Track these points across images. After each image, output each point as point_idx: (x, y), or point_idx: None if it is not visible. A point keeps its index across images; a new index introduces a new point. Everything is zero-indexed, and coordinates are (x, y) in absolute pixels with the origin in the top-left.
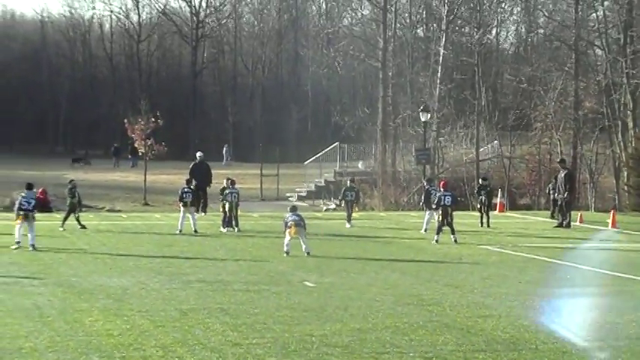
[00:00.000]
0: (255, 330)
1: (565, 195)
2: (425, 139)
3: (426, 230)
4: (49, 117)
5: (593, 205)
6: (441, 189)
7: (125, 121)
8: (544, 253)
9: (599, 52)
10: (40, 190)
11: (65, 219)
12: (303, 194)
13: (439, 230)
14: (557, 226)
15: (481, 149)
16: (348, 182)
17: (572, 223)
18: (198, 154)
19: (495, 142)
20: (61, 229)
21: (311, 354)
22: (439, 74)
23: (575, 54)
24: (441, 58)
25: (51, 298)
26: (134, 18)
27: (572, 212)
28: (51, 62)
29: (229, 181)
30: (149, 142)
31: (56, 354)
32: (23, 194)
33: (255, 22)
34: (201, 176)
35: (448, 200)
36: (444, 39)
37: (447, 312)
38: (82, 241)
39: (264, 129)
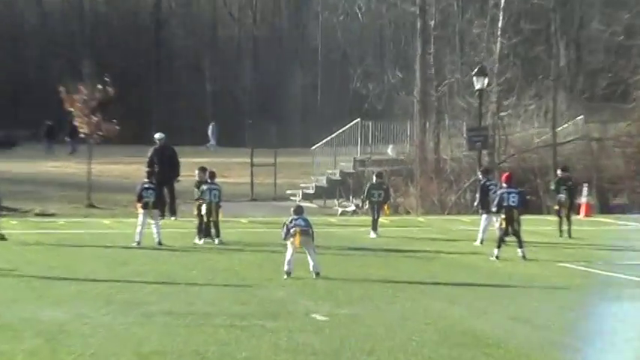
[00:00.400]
0: None
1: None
2: (480, 114)
3: (482, 242)
4: None
5: None
6: (504, 184)
7: (61, 89)
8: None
9: None
10: None
11: None
12: (311, 192)
13: (501, 241)
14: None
15: (560, 128)
16: (374, 177)
17: None
18: (157, 135)
19: (580, 118)
20: None
21: None
22: (500, 23)
23: None
24: (502, 0)
25: None
26: None
27: None
28: None
29: (207, 172)
30: (95, 120)
31: None
32: None
33: None
34: (163, 166)
35: (514, 200)
36: None
37: (513, 355)
38: (1, 258)
39: (257, 100)
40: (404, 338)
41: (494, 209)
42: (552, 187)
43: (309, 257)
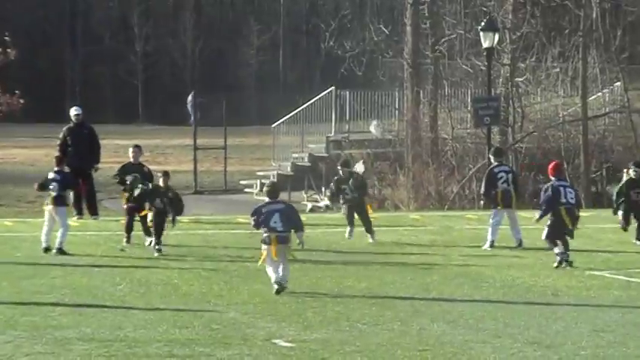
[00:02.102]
0: None
1: None
2: (490, 80)
3: (492, 245)
4: None
5: None
6: (552, 177)
7: None
8: None
9: None
10: None
11: None
12: (274, 180)
13: (557, 245)
14: None
15: (592, 97)
16: (340, 168)
17: None
18: (73, 110)
19: (617, 84)
20: None
21: None
22: None
23: None
24: None
25: None
26: None
27: None
28: None
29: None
30: None
31: None
32: None
33: None
34: (78, 150)
35: (571, 197)
36: None
37: None
38: None
39: (201, 65)
40: None
41: (543, 209)
42: (615, 194)
43: (282, 268)
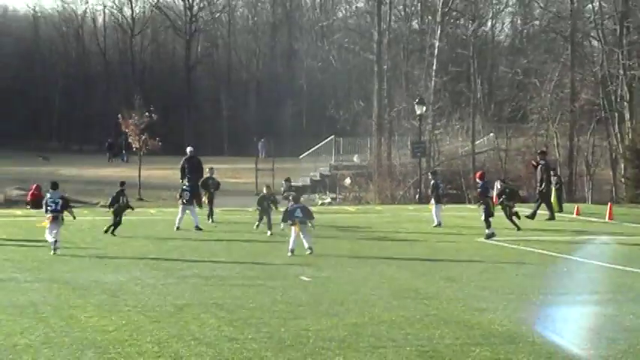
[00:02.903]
0: (251, 325)
1: (542, 187)
2: (420, 132)
3: (440, 224)
4: (42, 113)
5: (590, 197)
6: (478, 181)
7: (119, 116)
8: (541, 246)
9: (595, 43)
10: (34, 185)
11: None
12: (300, 187)
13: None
14: (528, 216)
15: (477, 142)
16: (265, 188)
17: (555, 215)
18: (189, 148)
19: (491, 134)
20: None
21: (307, 348)
22: (434, 67)
23: (571, 45)
24: (436, 50)
25: (45, 294)
26: (127, 12)
27: (567, 204)
28: (44, 58)
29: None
30: (143, 137)
31: (51, 350)
32: (49, 194)
33: (249, 16)
34: (191, 172)
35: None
36: (439, 31)
37: (444, 306)
38: (76, 237)
39: (259, 123)
40: (366, 293)
41: (496, 198)
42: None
43: (304, 239)
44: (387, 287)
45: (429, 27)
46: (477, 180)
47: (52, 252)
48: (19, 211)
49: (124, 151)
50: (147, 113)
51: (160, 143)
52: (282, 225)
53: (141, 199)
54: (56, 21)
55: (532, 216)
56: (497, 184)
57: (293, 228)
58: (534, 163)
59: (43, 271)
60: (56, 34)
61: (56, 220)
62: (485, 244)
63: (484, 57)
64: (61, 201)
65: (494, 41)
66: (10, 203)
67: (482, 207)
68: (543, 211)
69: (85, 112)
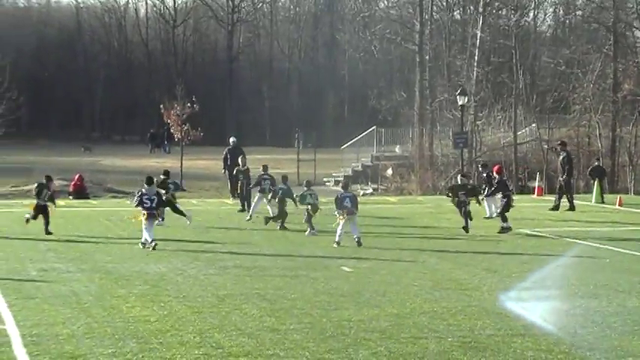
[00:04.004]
0: (293, 315)
1: (563, 177)
2: (462, 122)
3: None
4: (85, 103)
5: (632, 188)
6: (496, 175)
7: (161, 106)
8: (584, 237)
9: (637, 33)
10: (76, 176)
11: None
12: (340, 179)
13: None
14: (551, 209)
15: (519, 132)
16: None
17: (575, 205)
18: (232, 139)
19: (533, 125)
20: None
21: (348, 339)
22: (476, 57)
23: (613, 35)
24: (478, 41)
25: (88, 284)
26: (169, 3)
27: (609, 195)
28: (86, 48)
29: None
30: (185, 128)
31: (93, 340)
32: (144, 190)
33: (291, 6)
34: (233, 162)
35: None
36: (481, 21)
37: (486, 297)
38: (118, 228)
39: (301, 114)
40: (407, 284)
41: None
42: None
43: (352, 230)
44: (429, 278)
45: (471, 17)
46: (495, 174)
47: (142, 246)
48: (61, 202)
49: (166, 142)
50: (189, 104)
51: (201, 134)
52: (336, 213)
53: (183, 190)
54: (99, 12)
55: (556, 208)
56: (459, 179)
57: (340, 218)
58: (556, 149)
59: (85, 261)
60: (98, 24)
61: (152, 217)
62: (527, 236)
63: (526, 47)
64: (156, 198)
65: (537, 31)
66: (52, 193)
67: (502, 200)
68: (581, 202)
69: (127, 102)
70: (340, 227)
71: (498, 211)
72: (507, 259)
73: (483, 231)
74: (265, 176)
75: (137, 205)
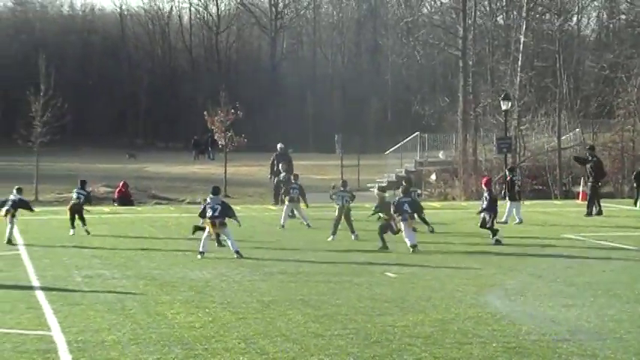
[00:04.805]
0: (337, 321)
1: (593, 183)
2: (506, 127)
3: (516, 222)
4: (129, 110)
5: None
6: (484, 188)
7: (205, 113)
8: (629, 241)
9: None
10: (121, 183)
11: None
12: (384, 184)
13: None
14: (586, 215)
15: (563, 137)
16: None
17: (593, 211)
18: (279, 145)
19: (577, 130)
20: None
21: (393, 345)
22: (520, 62)
23: None
24: (521, 45)
25: (133, 290)
26: (213, 9)
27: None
28: (130, 55)
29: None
30: (229, 134)
31: (138, 346)
32: (208, 199)
33: (334, 12)
34: (280, 167)
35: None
36: (524, 26)
37: (530, 301)
38: (162, 234)
39: (344, 119)
40: (451, 289)
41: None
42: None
43: (406, 235)
44: (473, 283)
45: (514, 22)
46: (484, 187)
47: (199, 258)
48: (106, 208)
49: (209, 148)
50: (232, 110)
51: (245, 140)
52: (396, 217)
53: (227, 196)
54: (142, 19)
55: (599, 212)
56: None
57: (402, 224)
58: (580, 158)
59: (130, 267)
60: (142, 31)
61: (216, 226)
62: (571, 240)
63: (570, 52)
64: (219, 207)
65: (580, 36)
66: (97, 200)
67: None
68: (625, 206)
69: (170, 109)
70: (404, 231)
71: (488, 225)
72: (552, 263)
73: (525, 235)
74: (294, 185)
75: (201, 215)
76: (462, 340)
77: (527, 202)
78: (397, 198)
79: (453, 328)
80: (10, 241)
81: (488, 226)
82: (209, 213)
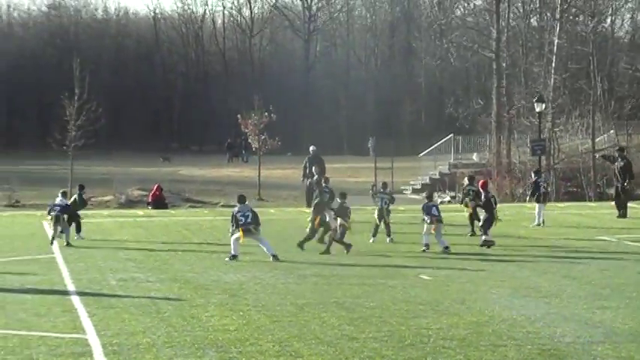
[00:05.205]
0: (372, 324)
1: (623, 185)
2: (540, 129)
3: (539, 224)
4: (163, 114)
5: None
6: (481, 190)
7: (238, 116)
8: None
9: None
10: (155, 186)
11: None
12: (418, 187)
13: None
14: (619, 217)
15: (597, 139)
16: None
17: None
18: (311, 147)
19: (611, 131)
20: None
21: (427, 347)
22: (553, 64)
23: None
24: (555, 47)
25: (167, 293)
26: (246, 13)
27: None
28: (164, 59)
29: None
30: (262, 137)
31: (173, 349)
32: (237, 208)
33: (368, 15)
34: (312, 170)
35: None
36: (558, 28)
37: (565, 304)
38: (196, 237)
39: (378, 122)
40: (485, 292)
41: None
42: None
43: (438, 238)
44: (508, 285)
45: (547, 24)
46: (481, 189)
47: (229, 259)
48: (140, 212)
49: (243, 151)
50: (266, 113)
51: (279, 143)
52: (425, 218)
53: (261, 199)
54: (176, 22)
55: (622, 215)
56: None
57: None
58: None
59: (164, 270)
60: (176, 35)
61: (249, 233)
62: (606, 242)
63: (604, 53)
64: (250, 214)
65: (614, 37)
66: (131, 204)
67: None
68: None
69: (204, 112)
70: (424, 231)
71: (480, 224)
72: (586, 265)
73: (560, 237)
74: (325, 189)
75: (233, 224)
76: (496, 343)
77: (561, 204)
78: (424, 204)
79: (487, 330)
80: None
81: (480, 225)
82: (242, 221)
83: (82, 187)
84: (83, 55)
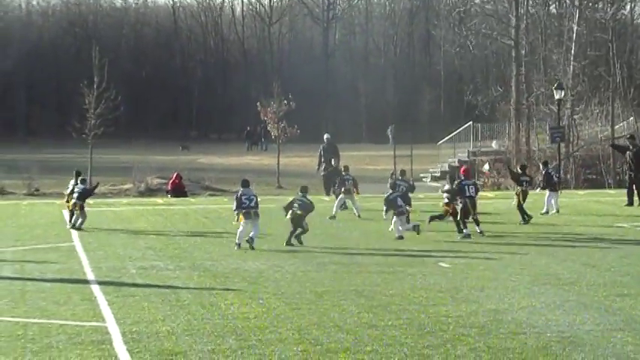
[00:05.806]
0: (391, 311)
1: (631, 173)
2: (559, 116)
3: (548, 212)
4: (182, 102)
5: None
6: (462, 176)
7: (258, 104)
8: None
9: None
10: (174, 174)
11: None
12: (437, 174)
13: (464, 225)
14: (627, 205)
15: (616, 126)
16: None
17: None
18: (326, 135)
19: (631, 118)
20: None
21: (447, 335)
22: (573, 51)
23: None
24: (574, 34)
25: (186, 281)
26: (265, 1)
27: None
28: (183, 47)
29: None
30: (282, 125)
31: (192, 337)
32: (241, 191)
33: (387, 3)
34: (327, 158)
35: (472, 191)
36: (577, 15)
37: (584, 291)
38: (217, 225)
39: (397, 110)
40: (505, 279)
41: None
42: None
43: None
44: (527, 273)
45: (567, 11)
46: (462, 175)
47: (236, 249)
48: (160, 200)
49: (262, 139)
50: (285, 101)
51: (298, 131)
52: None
53: (280, 187)
54: (195, 11)
55: (629, 204)
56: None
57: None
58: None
59: (183, 258)
60: (195, 23)
61: (249, 216)
62: (625, 229)
63: (623, 40)
64: (254, 198)
65: (634, 24)
66: (151, 192)
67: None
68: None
69: (223, 101)
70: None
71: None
72: (606, 253)
73: (579, 224)
74: (347, 177)
75: (237, 206)
76: (516, 330)
77: (580, 192)
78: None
79: (506, 318)
80: (75, 227)
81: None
82: (245, 203)
83: (78, 174)
84: (102, 43)
